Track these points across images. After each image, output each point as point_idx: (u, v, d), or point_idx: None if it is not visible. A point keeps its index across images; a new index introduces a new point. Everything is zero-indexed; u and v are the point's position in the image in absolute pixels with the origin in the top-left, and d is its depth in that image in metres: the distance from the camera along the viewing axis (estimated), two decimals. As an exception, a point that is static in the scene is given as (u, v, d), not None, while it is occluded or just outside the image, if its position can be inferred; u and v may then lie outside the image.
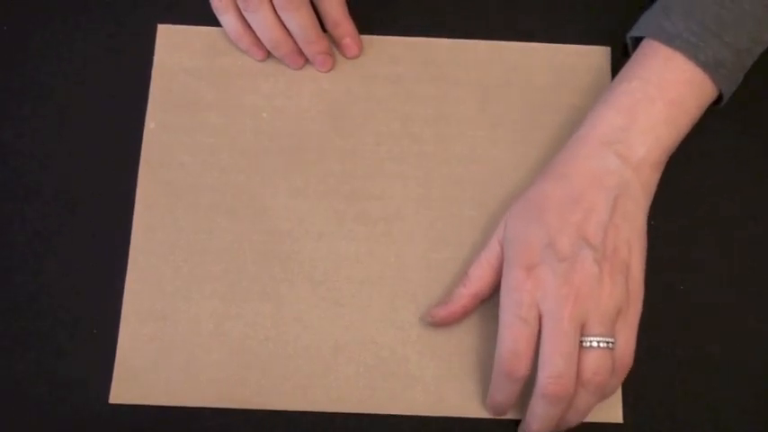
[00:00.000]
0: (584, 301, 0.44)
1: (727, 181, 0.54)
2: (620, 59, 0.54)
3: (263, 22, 0.53)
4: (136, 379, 0.50)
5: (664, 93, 0.47)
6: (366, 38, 0.56)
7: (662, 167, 0.49)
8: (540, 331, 0.45)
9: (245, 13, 0.53)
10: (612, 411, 0.50)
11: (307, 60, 0.56)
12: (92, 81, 0.56)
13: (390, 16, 0.57)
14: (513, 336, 0.45)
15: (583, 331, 0.44)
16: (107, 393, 0.50)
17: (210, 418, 0.50)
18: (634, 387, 0.50)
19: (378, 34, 0.57)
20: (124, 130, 0.55)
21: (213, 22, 0.55)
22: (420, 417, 0.50)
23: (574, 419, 0.46)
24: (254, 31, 0.54)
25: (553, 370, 0.44)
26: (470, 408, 0.50)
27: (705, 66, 0.47)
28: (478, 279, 0.49)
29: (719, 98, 0.50)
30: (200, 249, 0.52)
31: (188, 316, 0.51)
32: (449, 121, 0.55)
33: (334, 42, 0.56)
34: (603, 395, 0.46)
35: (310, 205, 0.53)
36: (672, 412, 0.50)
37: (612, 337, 0.45)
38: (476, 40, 0.57)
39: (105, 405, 0.50)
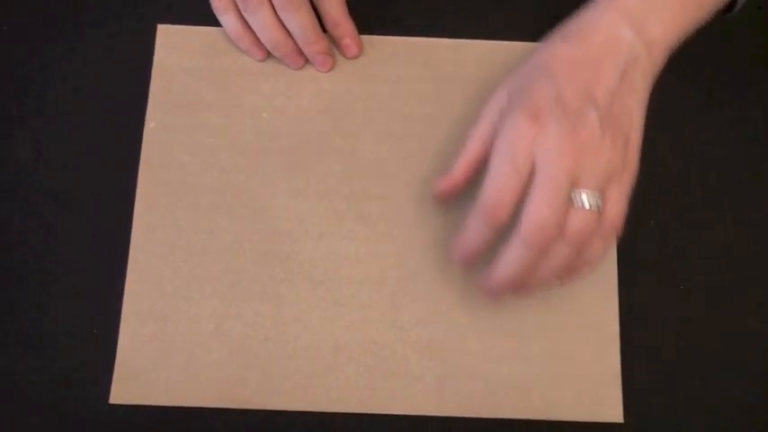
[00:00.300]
0: (583, 158, 0.44)
1: (729, 180, 0.54)
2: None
3: (262, 22, 0.53)
4: (136, 379, 0.50)
5: None
6: (366, 38, 0.56)
7: (666, 58, 0.48)
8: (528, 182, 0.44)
9: (244, 14, 0.53)
10: (612, 411, 0.50)
11: (307, 60, 0.56)
12: (92, 81, 0.56)
13: (390, 16, 0.57)
14: (502, 182, 0.44)
15: (573, 187, 0.44)
16: (107, 393, 0.50)
17: (210, 417, 0.50)
18: (634, 387, 0.50)
19: (378, 34, 0.57)
20: (124, 130, 0.55)
21: (213, 22, 0.55)
22: (420, 417, 0.50)
23: (544, 272, 0.45)
24: (254, 32, 0.54)
25: (539, 218, 0.43)
26: (470, 408, 0.50)
27: None
28: (479, 141, 0.48)
29: (730, 8, 0.50)
30: (200, 249, 0.52)
31: (188, 316, 0.51)
32: (449, 121, 0.55)
33: (335, 42, 0.56)
34: (584, 258, 0.45)
35: (310, 205, 0.53)
36: (672, 412, 0.50)
37: (602, 198, 0.44)
38: (476, 40, 0.57)
39: (105, 405, 0.50)
